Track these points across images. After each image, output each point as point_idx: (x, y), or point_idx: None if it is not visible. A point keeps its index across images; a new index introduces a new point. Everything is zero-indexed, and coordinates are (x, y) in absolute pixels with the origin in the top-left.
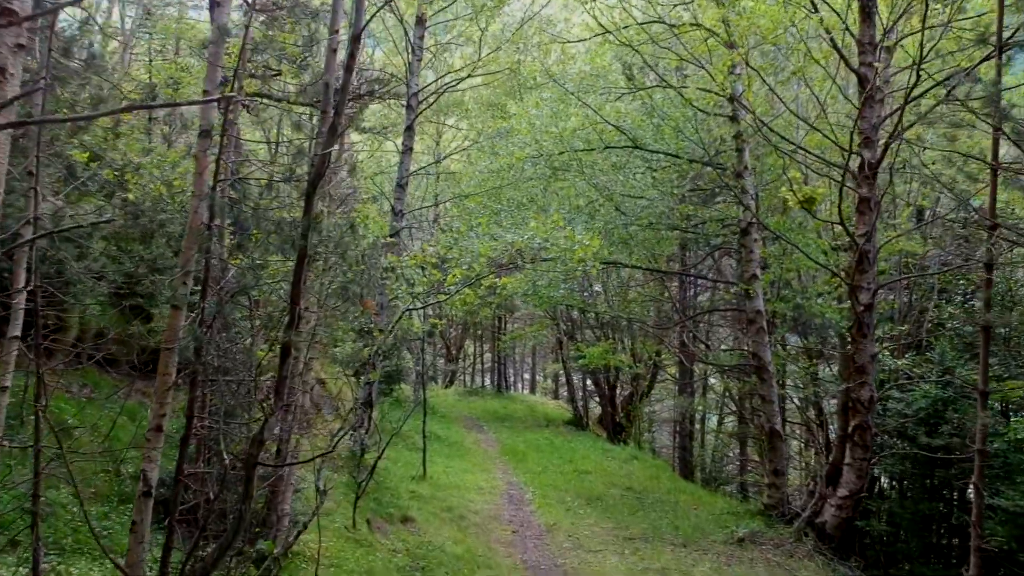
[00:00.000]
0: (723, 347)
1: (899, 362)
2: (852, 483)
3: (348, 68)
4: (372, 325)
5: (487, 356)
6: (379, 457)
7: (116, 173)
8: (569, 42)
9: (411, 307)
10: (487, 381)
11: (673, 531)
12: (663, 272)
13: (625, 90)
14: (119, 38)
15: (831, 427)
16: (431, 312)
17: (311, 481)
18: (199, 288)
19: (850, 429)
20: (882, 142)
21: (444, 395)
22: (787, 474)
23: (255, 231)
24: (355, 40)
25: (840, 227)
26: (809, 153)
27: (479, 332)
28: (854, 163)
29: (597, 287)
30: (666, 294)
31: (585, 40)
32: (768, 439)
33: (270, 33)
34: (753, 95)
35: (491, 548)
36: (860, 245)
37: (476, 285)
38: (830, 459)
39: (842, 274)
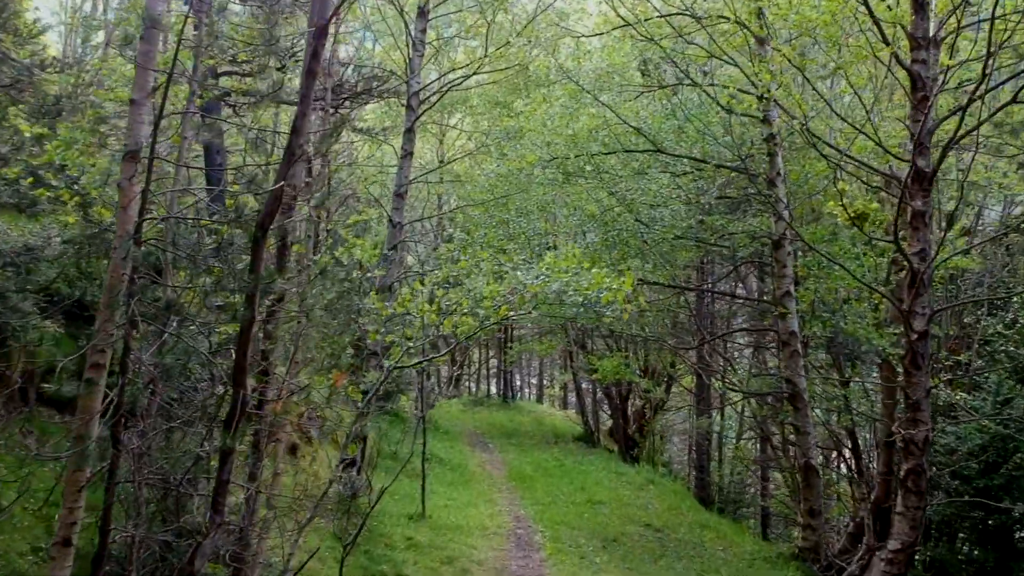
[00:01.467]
0: (749, 369)
1: (957, 396)
2: (905, 535)
3: (309, 72)
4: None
5: (492, 362)
6: (372, 507)
7: (72, 188)
8: (584, 36)
9: (403, 365)
10: (492, 389)
11: None
12: (688, 288)
13: (644, 88)
14: (103, 31)
15: (865, 455)
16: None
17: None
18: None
19: (902, 473)
20: (936, 148)
21: (448, 406)
22: (823, 513)
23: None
24: (319, 35)
25: (881, 242)
26: (857, 162)
27: (484, 339)
28: (901, 171)
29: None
30: (682, 304)
31: (601, 35)
32: (803, 475)
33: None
34: (787, 94)
35: None
36: (914, 265)
37: (485, 327)
38: (872, 497)
39: (891, 297)
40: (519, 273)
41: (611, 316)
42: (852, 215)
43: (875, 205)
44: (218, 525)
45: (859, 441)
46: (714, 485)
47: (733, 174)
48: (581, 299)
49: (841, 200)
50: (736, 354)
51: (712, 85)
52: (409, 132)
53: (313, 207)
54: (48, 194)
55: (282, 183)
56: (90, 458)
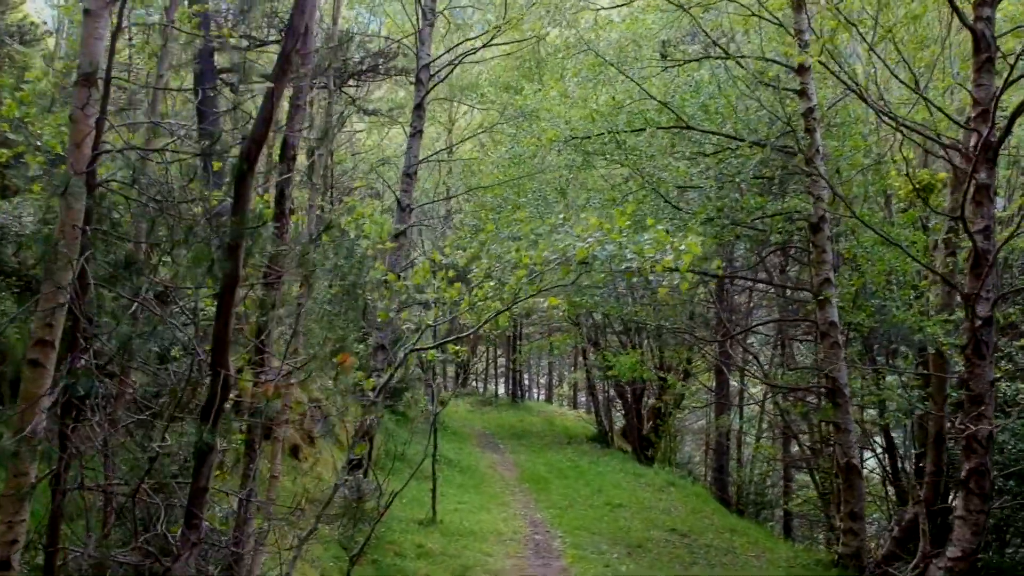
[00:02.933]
0: (782, 363)
1: (1018, 387)
2: (967, 541)
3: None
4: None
5: (500, 361)
6: (382, 514)
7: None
8: (605, 9)
9: (417, 347)
10: (500, 389)
11: None
12: (714, 275)
13: (670, 63)
14: None
15: (900, 456)
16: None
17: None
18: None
19: (964, 473)
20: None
21: (455, 407)
22: (865, 518)
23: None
24: None
25: (942, 217)
26: (917, 131)
27: (492, 335)
28: (967, 140)
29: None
30: (702, 296)
31: (623, 5)
32: (844, 475)
33: None
34: (833, 59)
35: None
36: (978, 244)
37: (511, 308)
38: (920, 498)
39: (951, 280)
40: (564, 231)
41: (667, 286)
42: (917, 186)
43: (942, 175)
44: (192, 544)
45: (893, 439)
46: (733, 486)
47: (768, 153)
48: (637, 265)
49: (906, 170)
50: (759, 348)
51: (743, 57)
52: (419, 109)
53: (316, 140)
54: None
55: (272, 101)
56: (33, 459)
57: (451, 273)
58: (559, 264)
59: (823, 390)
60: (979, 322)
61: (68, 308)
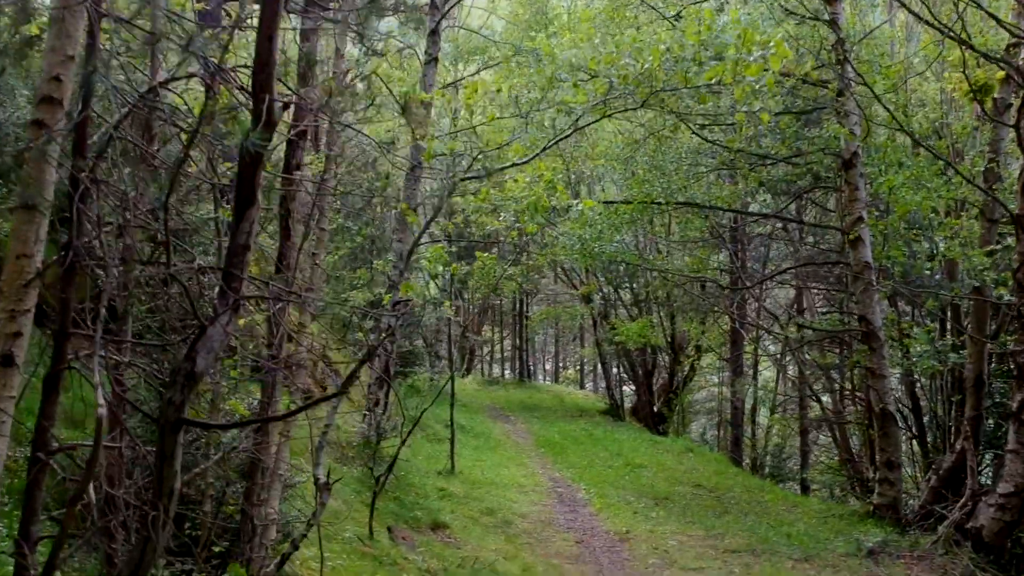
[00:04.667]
0: (817, 312)
1: None
2: (1019, 476)
3: None
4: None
5: (506, 343)
6: (403, 443)
7: None
8: None
9: (466, 176)
10: (507, 371)
11: (785, 541)
12: (749, 213)
13: None
14: None
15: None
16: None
17: (308, 473)
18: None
19: (1015, 405)
20: None
21: (462, 384)
22: (902, 466)
23: None
24: None
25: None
26: (967, 44)
27: (499, 315)
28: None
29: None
30: (719, 259)
31: None
32: (880, 423)
33: None
34: None
35: (553, 565)
36: None
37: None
38: (967, 448)
39: (1000, 200)
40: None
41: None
42: (973, 86)
43: (1001, 74)
44: (233, 307)
45: (917, 394)
46: (748, 458)
47: (792, 82)
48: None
49: (964, 67)
50: (775, 305)
51: None
52: (433, 35)
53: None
54: None
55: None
56: (38, 237)
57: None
58: (629, 68)
59: (857, 334)
60: None
61: None
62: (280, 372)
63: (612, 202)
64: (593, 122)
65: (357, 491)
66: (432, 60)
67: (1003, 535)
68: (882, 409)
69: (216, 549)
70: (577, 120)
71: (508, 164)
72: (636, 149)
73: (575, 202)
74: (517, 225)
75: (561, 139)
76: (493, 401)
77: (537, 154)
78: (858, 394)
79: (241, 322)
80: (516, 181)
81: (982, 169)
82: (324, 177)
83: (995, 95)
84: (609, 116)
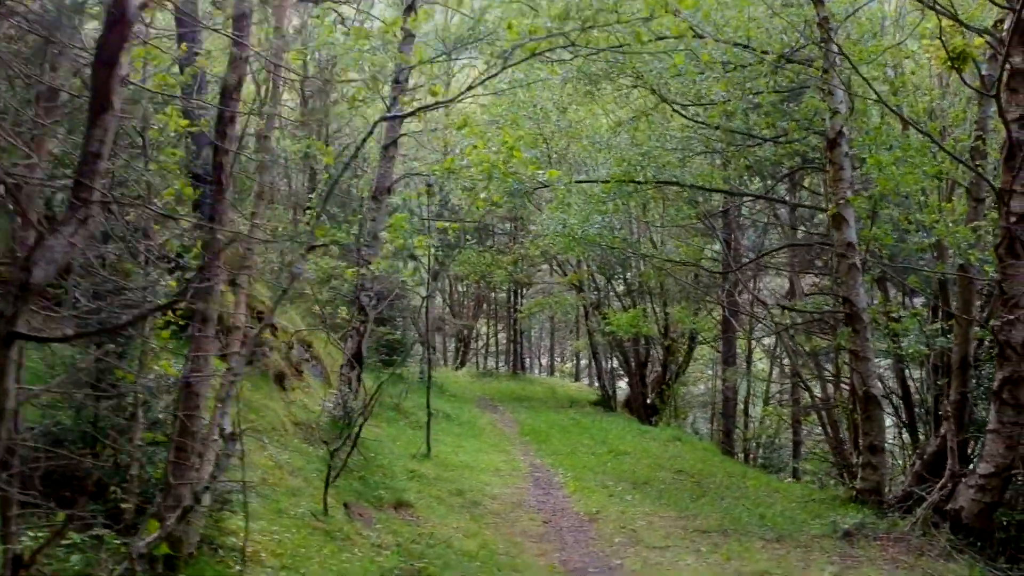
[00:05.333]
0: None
1: None
2: (999, 456)
3: None
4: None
5: (501, 336)
6: (364, 419)
7: None
8: None
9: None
10: (502, 364)
11: (758, 522)
12: (733, 192)
13: None
14: None
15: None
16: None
17: (257, 447)
18: None
19: (996, 384)
20: None
21: (455, 376)
22: (886, 450)
23: None
24: None
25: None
26: (947, 13)
27: (494, 307)
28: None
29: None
30: (713, 249)
31: None
32: (863, 407)
33: None
34: None
35: (516, 543)
36: (1013, 133)
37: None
38: (948, 429)
39: (984, 175)
40: None
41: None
42: (951, 55)
43: (980, 40)
44: (80, 221)
45: (907, 382)
46: (740, 442)
47: (773, 60)
48: None
49: (940, 35)
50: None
51: None
52: (410, 11)
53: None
54: None
55: None
56: None
57: None
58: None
59: (842, 315)
60: (1013, 218)
61: None
62: (206, 332)
63: (588, 181)
64: (525, 59)
65: (320, 470)
66: (409, 36)
67: (983, 517)
68: (865, 392)
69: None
70: (507, 59)
71: (434, 103)
72: (620, 132)
73: (541, 172)
74: (483, 196)
75: (489, 78)
76: (485, 392)
77: (463, 93)
78: (844, 379)
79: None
80: (476, 148)
81: (968, 146)
82: (265, 135)
83: (983, 72)
84: (538, 55)
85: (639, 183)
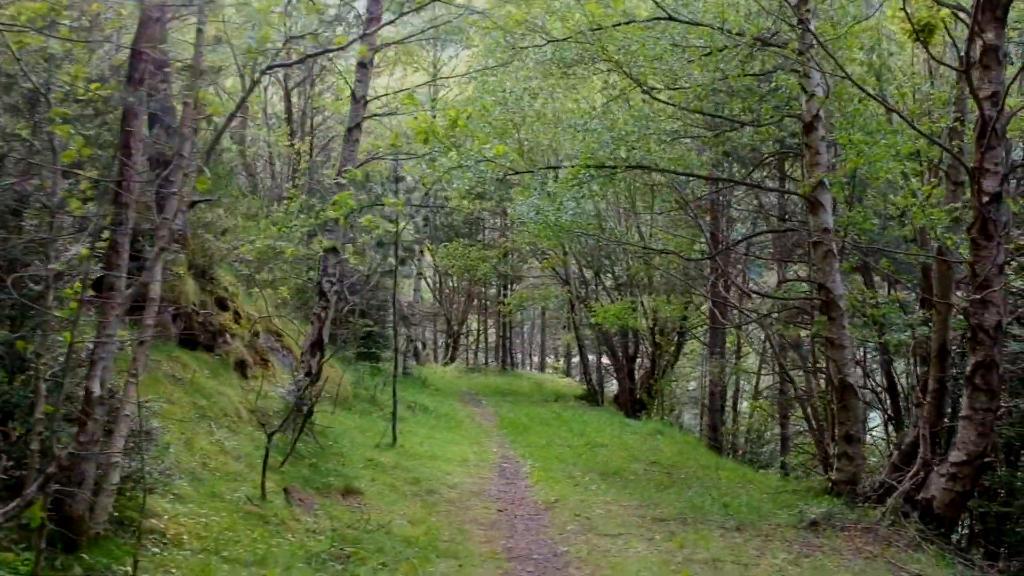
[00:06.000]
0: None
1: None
2: (972, 444)
3: None
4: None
5: (492, 332)
6: (310, 405)
7: None
8: None
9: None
10: (491, 360)
11: (721, 511)
12: (708, 178)
13: None
14: None
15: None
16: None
17: (178, 432)
18: None
19: (969, 369)
20: None
21: (442, 372)
22: (863, 441)
23: None
24: None
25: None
26: None
27: (483, 302)
28: None
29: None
30: (697, 245)
31: None
32: (839, 396)
33: None
34: None
35: (463, 531)
36: (985, 111)
37: None
38: (921, 416)
39: (957, 155)
40: None
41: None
42: (916, 27)
43: (944, 12)
44: None
45: (893, 375)
46: (728, 443)
47: (748, 40)
48: None
49: (904, 5)
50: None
51: None
52: None
53: None
54: None
55: None
56: None
57: None
58: None
59: (818, 302)
60: (986, 198)
61: None
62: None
63: (554, 167)
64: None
65: (273, 456)
66: (373, 19)
67: (955, 506)
68: (841, 380)
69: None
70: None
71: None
72: (595, 117)
73: (487, 147)
74: (427, 171)
75: (418, 35)
76: (470, 387)
77: (397, 42)
78: (822, 369)
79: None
80: (417, 119)
81: (947, 127)
82: (186, 101)
83: (962, 53)
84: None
85: (611, 168)
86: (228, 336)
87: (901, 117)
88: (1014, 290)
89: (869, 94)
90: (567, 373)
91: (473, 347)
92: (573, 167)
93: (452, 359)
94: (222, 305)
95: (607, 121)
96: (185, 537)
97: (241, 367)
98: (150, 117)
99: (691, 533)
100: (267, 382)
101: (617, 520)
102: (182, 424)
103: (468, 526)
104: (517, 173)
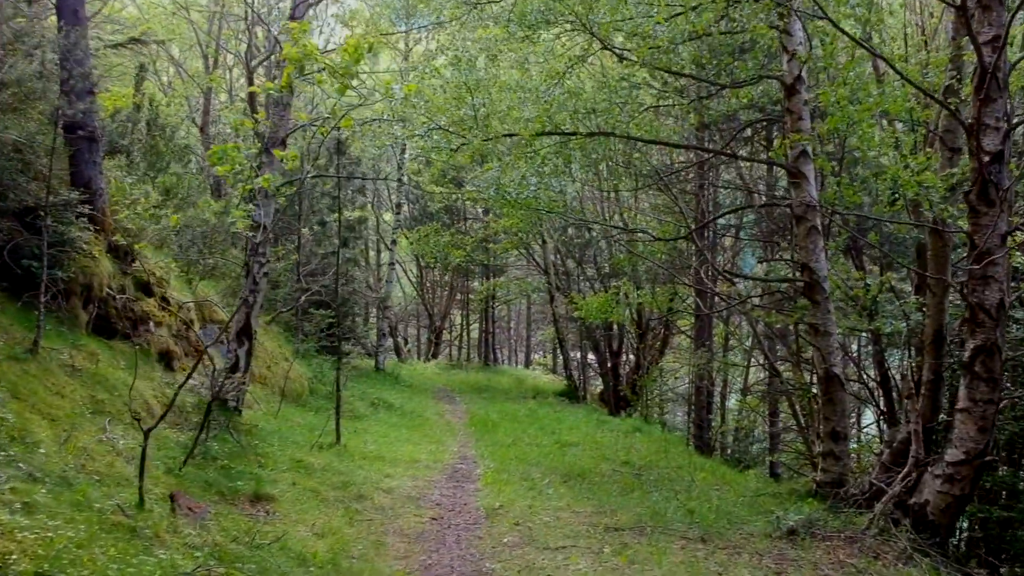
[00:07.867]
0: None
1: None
2: (971, 440)
3: None
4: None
5: (475, 328)
6: (211, 403)
7: None
8: None
9: None
10: (475, 356)
11: (685, 517)
12: (680, 146)
13: None
14: None
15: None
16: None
17: (51, 430)
18: None
19: (967, 355)
20: None
21: (423, 368)
22: (850, 439)
23: None
24: None
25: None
26: None
27: (466, 296)
28: None
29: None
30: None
31: None
32: (824, 388)
33: None
34: None
35: (380, 544)
36: (984, 58)
37: None
38: (913, 410)
39: (953, 109)
40: None
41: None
42: None
43: None
44: None
45: (886, 367)
46: (716, 441)
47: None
48: None
49: None
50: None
51: None
52: None
53: None
54: None
55: None
56: None
57: None
58: None
59: (801, 284)
60: (986, 157)
61: None
62: None
63: (509, 135)
64: None
65: (173, 457)
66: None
67: (951, 512)
68: (826, 371)
69: None
70: None
71: None
72: (555, 83)
73: (396, 87)
74: (328, 121)
75: None
76: (448, 383)
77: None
78: (805, 358)
79: None
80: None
81: (943, 85)
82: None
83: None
84: None
85: (568, 134)
86: (152, 324)
87: (892, 68)
88: (1018, 265)
89: (860, 43)
90: (553, 370)
91: (456, 343)
92: (528, 133)
93: (434, 355)
94: (146, 290)
95: (569, 84)
96: (14, 557)
97: (166, 358)
98: None
99: (645, 545)
100: (199, 375)
101: (565, 530)
102: (63, 421)
103: (389, 538)
104: (467, 143)
